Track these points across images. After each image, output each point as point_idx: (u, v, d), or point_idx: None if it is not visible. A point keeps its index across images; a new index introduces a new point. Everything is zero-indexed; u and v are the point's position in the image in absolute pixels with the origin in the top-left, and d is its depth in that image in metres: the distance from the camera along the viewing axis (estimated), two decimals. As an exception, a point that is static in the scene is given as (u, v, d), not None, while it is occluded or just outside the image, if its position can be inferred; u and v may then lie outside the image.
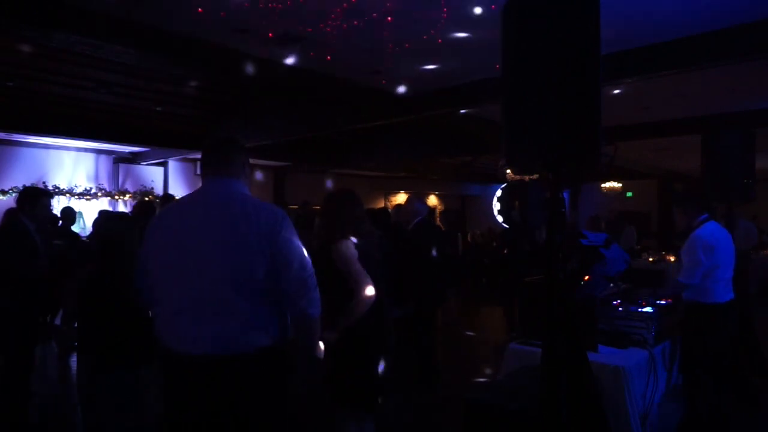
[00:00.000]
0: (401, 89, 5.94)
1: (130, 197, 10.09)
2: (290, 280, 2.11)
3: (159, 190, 10.56)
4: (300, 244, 2.18)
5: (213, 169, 2.26)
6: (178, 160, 10.61)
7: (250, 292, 2.07)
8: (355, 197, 3.05)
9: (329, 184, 12.79)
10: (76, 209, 9.51)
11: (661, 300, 3.87)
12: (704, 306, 3.70)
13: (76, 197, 9.57)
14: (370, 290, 2.77)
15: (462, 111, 7.17)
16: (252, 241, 2.07)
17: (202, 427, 2.07)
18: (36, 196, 4.21)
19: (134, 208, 6.78)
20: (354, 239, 2.88)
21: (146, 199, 9.80)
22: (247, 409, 2.06)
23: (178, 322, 2.09)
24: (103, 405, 2.76)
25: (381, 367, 2.87)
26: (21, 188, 8.75)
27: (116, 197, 10.00)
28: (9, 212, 5.06)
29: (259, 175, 11.81)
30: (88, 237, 7.20)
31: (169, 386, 2.14)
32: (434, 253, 5.06)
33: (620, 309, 3.62)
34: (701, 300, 3.71)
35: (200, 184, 2.29)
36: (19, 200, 4.24)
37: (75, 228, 9.44)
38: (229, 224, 2.10)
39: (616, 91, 6.22)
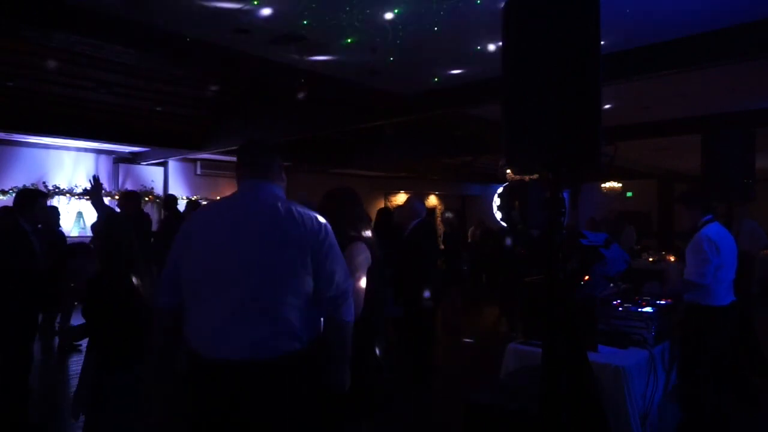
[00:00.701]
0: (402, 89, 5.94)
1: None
2: (333, 288, 2.13)
3: (159, 190, 10.56)
4: (340, 253, 2.20)
5: (250, 172, 2.24)
6: (178, 160, 10.60)
7: (291, 297, 2.05)
8: (355, 196, 3.04)
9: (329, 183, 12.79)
10: (76, 209, 9.57)
11: (661, 300, 3.87)
12: (705, 308, 3.66)
13: (76, 197, 9.57)
14: (358, 290, 2.71)
15: (462, 111, 7.18)
16: (297, 247, 2.06)
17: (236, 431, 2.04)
18: (34, 198, 4.22)
19: (121, 204, 6.52)
20: (368, 233, 2.89)
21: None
22: (283, 412, 2.04)
23: (215, 328, 2.04)
24: (103, 406, 2.76)
25: (373, 372, 2.84)
26: (21, 188, 8.81)
27: (116, 197, 9.99)
28: (3, 212, 5.01)
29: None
30: (92, 240, 7.20)
31: (200, 392, 2.09)
32: (433, 255, 5.09)
33: (620, 309, 3.62)
34: (702, 302, 3.66)
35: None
36: (16, 201, 4.24)
37: (74, 228, 9.49)
38: (272, 228, 2.08)
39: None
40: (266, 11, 3.93)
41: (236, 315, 2.02)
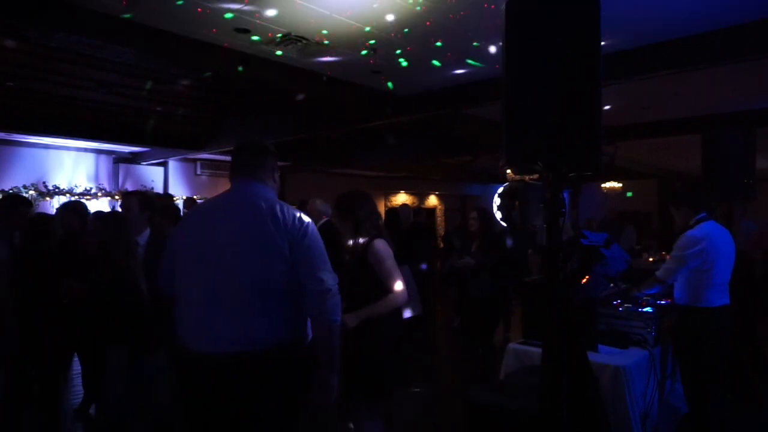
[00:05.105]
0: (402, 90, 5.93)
1: (130, 197, 10.08)
2: (315, 284, 2.13)
3: (159, 189, 10.54)
4: (322, 249, 2.21)
5: (241, 172, 2.32)
6: (178, 160, 10.60)
7: (270, 293, 2.09)
8: (366, 195, 3.10)
9: (328, 183, 12.79)
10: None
11: (661, 300, 3.86)
12: (696, 310, 3.56)
13: (76, 197, 9.56)
14: (404, 298, 2.86)
15: (462, 111, 7.17)
16: (275, 244, 2.10)
17: (219, 424, 2.09)
18: (13, 206, 3.97)
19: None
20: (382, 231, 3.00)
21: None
22: (263, 406, 2.08)
23: (198, 321, 2.11)
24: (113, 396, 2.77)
25: (390, 366, 2.90)
26: (21, 188, 8.80)
27: (116, 197, 9.98)
28: None
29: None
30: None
31: (186, 385, 2.18)
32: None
33: (620, 309, 3.62)
34: (693, 304, 3.58)
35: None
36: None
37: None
38: (253, 226, 2.13)
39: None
40: (268, 12, 3.93)
41: (217, 310, 2.08)
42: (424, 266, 6.80)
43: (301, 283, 2.13)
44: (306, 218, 2.22)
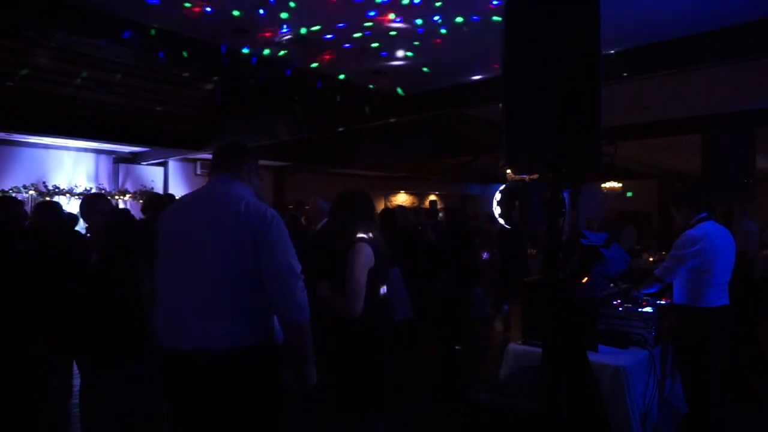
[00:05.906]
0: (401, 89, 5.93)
1: (130, 197, 10.09)
2: (273, 282, 2.11)
3: (159, 190, 10.55)
4: (288, 246, 2.17)
5: (216, 170, 2.35)
6: (178, 160, 10.61)
7: (238, 291, 2.10)
8: (364, 195, 3.08)
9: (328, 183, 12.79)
10: (76, 209, 9.55)
11: (661, 300, 3.86)
12: (696, 310, 3.55)
13: (76, 197, 9.56)
14: (354, 310, 2.77)
15: (462, 111, 7.17)
16: (239, 241, 2.10)
17: (197, 421, 2.12)
18: (12, 205, 3.90)
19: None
20: (375, 234, 2.95)
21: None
22: (234, 404, 2.09)
23: (170, 318, 2.15)
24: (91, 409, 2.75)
25: (389, 367, 2.88)
26: (21, 188, 8.80)
27: (116, 197, 9.99)
28: None
29: (259, 175, 11.80)
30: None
31: (163, 381, 2.22)
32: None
33: (620, 309, 3.61)
34: (693, 304, 3.57)
35: (200, 185, 2.35)
36: None
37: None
38: (221, 223, 2.14)
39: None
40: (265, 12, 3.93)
41: (190, 307, 2.10)
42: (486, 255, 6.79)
43: (263, 279, 2.11)
44: (271, 213, 2.18)
